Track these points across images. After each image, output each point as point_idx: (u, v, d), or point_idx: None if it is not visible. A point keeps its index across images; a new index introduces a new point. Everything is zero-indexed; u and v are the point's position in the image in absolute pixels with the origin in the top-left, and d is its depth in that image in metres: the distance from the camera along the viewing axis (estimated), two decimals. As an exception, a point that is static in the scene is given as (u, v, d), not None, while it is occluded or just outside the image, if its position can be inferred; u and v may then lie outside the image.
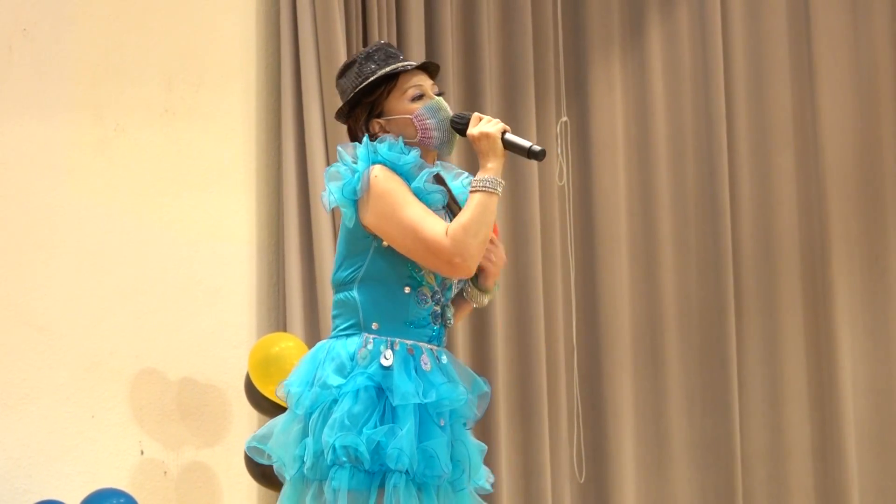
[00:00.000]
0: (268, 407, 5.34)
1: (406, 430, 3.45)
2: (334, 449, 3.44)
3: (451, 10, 6.28)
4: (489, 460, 6.04)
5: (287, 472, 3.57)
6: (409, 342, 3.58)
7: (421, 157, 3.62)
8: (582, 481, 6.43)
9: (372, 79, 3.65)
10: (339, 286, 3.62)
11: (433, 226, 3.52)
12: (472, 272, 3.58)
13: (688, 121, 6.65)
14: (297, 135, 5.86)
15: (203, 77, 5.83)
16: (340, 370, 3.53)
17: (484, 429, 6.06)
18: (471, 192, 3.57)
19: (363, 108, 3.69)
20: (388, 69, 3.66)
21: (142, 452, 5.61)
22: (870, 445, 6.61)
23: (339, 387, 3.50)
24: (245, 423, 5.68)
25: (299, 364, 3.65)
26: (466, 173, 3.79)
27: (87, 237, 5.56)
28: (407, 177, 3.58)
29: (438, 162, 3.78)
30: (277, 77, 5.95)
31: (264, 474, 5.14)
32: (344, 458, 3.44)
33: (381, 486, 3.46)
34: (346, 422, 3.45)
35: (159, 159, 5.73)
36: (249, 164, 5.92)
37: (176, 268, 5.71)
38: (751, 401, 6.59)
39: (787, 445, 6.59)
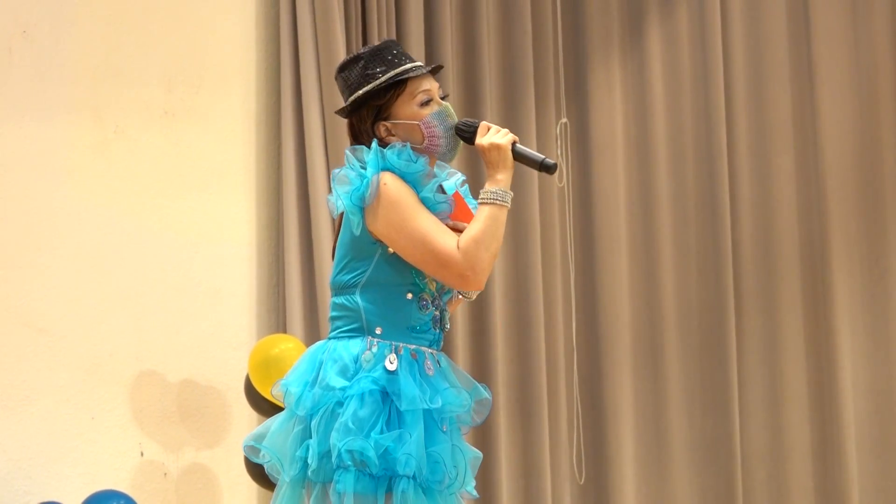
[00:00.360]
0: (267, 408, 5.34)
1: (416, 436, 3.45)
2: (339, 453, 3.44)
3: (451, 11, 6.28)
4: (489, 460, 6.08)
5: (286, 473, 3.56)
6: (412, 346, 3.58)
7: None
8: (582, 482, 6.43)
9: (382, 81, 3.63)
10: (340, 289, 3.61)
11: (444, 238, 3.51)
12: (483, 286, 3.57)
13: (687, 122, 6.65)
14: (296, 136, 5.85)
15: (203, 78, 5.83)
16: (343, 372, 3.52)
17: (484, 429, 6.06)
18: (480, 203, 3.55)
19: (370, 109, 3.64)
20: (397, 71, 3.62)
21: (142, 454, 5.62)
22: (870, 446, 6.61)
23: (342, 389, 3.49)
24: (245, 424, 5.68)
25: (297, 363, 3.63)
26: (459, 173, 3.77)
27: (86, 239, 5.56)
28: (415, 185, 3.56)
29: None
30: (277, 78, 5.95)
31: (264, 475, 5.13)
32: (349, 462, 3.44)
33: (388, 490, 3.46)
34: (351, 425, 3.45)
35: (159, 161, 5.73)
36: (249, 165, 5.92)
37: (176, 269, 5.72)
38: (751, 401, 6.59)
39: (787, 446, 6.59)
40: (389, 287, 3.57)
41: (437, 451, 3.49)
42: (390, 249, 3.56)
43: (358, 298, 3.58)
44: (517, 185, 6.32)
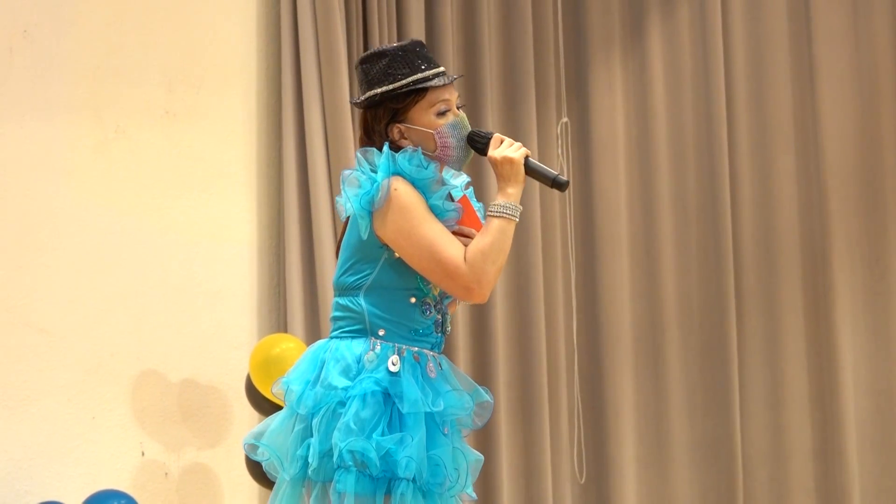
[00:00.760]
0: (268, 408, 5.34)
1: (417, 439, 3.45)
2: (341, 453, 3.44)
3: (452, 11, 6.28)
4: (490, 460, 6.08)
5: (286, 472, 3.56)
6: (415, 349, 3.58)
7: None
8: (582, 482, 6.43)
9: (402, 84, 3.59)
10: (344, 290, 3.60)
11: (452, 249, 3.51)
12: (486, 299, 3.57)
13: (688, 121, 6.65)
14: (297, 136, 5.85)
15: (203, 78, 5.83)
16: (346, 372, 3.52)
17: (485, 430, 6.04)
18: (489, 215, 3.55)
19: (386, 110, 3.62)
20: (419, 77, 3.59)
21: (143, 454, 5.61)
22: (871, 446, 6.61)
23: (345, 389, 3.49)
24: (246, 424, 5.68)
25: (299, 362, 3.63)
26: (464, 174, 3.77)
27: (87, 239, 5.56)
28: (424, 191, 3.55)
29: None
30: (278, 78, 5.95)
31: (265, 475, 5.13)
32: (350, 463, 3.44)
33: (387, 492, 3.46)
34: (353, 426, 3.45)
35: (160, 161, 5.73)
36: (250, 165, 5.92)
37: (176, 269, 5.71)
38: (751, 401, 6.59)
39: (788, 446, 6.59)
40: (393, 291, 3.57)
41: (438, 454, 3.50)
42: (396, 254, 3.56)
43: (361, 300, 3.58)
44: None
